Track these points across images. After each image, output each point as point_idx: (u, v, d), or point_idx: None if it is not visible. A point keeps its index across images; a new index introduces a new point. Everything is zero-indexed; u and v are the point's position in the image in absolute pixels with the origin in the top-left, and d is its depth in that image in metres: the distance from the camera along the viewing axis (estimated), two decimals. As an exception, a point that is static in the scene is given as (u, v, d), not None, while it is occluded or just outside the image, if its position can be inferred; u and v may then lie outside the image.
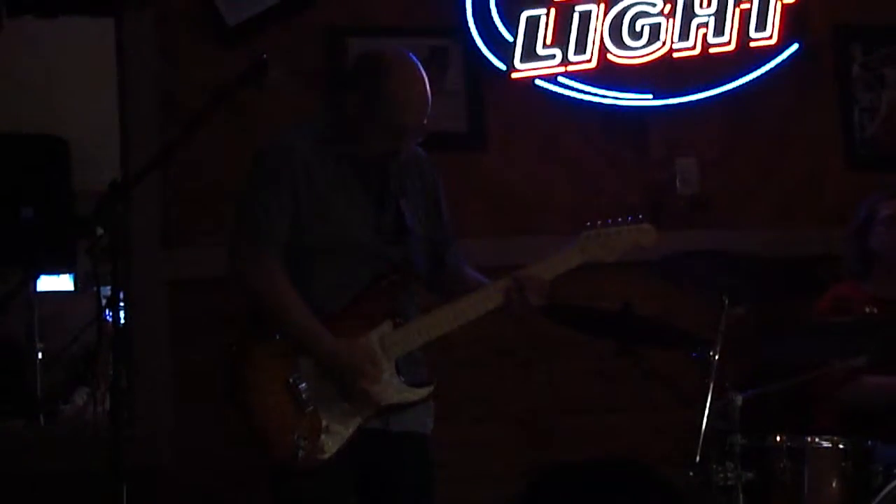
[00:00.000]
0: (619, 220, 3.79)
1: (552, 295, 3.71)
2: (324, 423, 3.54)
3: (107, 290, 3.22)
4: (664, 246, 3.87)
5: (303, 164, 3.59)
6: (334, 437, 3.54)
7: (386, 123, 3.56)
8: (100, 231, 3.13)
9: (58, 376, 6.08)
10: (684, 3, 5.31)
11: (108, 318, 3.31)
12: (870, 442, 4.17)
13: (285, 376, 3.54)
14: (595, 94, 5.33)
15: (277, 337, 3.57)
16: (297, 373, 3.54)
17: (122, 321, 4.58)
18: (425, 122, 3.61)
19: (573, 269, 3.73)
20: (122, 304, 3.24)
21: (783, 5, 5.38)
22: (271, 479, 3.62)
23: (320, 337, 3.54)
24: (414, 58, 3.64)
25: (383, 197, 3.70)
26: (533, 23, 5.22)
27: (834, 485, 4.18)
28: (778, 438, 4.21)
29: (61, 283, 7.00)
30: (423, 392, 3.67)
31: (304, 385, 3.54)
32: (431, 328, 3.65)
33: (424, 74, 3.61)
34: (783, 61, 5.45)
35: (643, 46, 5.30)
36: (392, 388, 3.60)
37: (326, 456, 3.53)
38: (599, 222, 3.77)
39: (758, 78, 5.45)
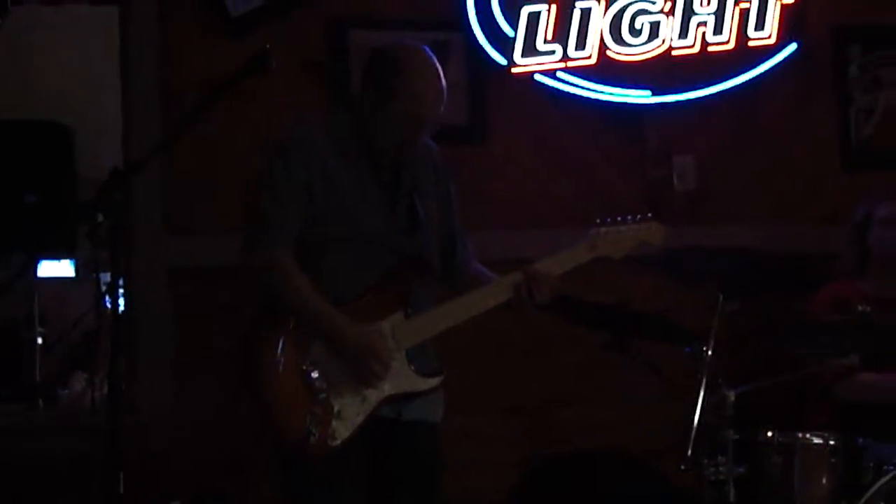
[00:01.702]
0: (629, 218, 3.83)
1: (559, 291, 3.75)
2: (335, 409, 3.57)
3: (107, 277, 3.25)
4: (660, 241, 3.90)
5: (318, 155, 3.62)
6: (345, 423, 3.58)
7: (401, 116, 3.59)
8: (100, 217, 3.16)
9: (57, 362, 6.10)
10: (684, 2, 5.31)
11: (107, 304, 3.34)
12: (860, 439, 4.21)
13: (298, 363, 3.58)
14: (594, 91, 5.34)
15: (291, 325, 3.60)
16: (309, 359, 3.58)
17: (122, 308, 4.62)
18: (439, 115, 3.64)
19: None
20: (121, 290, 3.26)
21: (782, 5, 5.39)
22: (280, 465, 3.66)
23: (334, 320, 3.58)
24: (429, 51, 3.67)
25: (396, 190, 3.73)
26: (534, 18, 5.23)
27: (824, 480, 4.22)
28: (769, 434, 4.25)
29: (62, 269, 7.01)
30: (434, 381, 3.71)
31: (316, 372, 3.57)
32: (441, 320, 3.69)
33: (439, 67, 3.64)
34: (781, 61, 5.46)
35: (643, 44, 5.31)
36: (403, 377, 3.64)
37: (337, 442, 3.57)
38: (609, 220, 3.81)
39: (756, 77, 5.45)
